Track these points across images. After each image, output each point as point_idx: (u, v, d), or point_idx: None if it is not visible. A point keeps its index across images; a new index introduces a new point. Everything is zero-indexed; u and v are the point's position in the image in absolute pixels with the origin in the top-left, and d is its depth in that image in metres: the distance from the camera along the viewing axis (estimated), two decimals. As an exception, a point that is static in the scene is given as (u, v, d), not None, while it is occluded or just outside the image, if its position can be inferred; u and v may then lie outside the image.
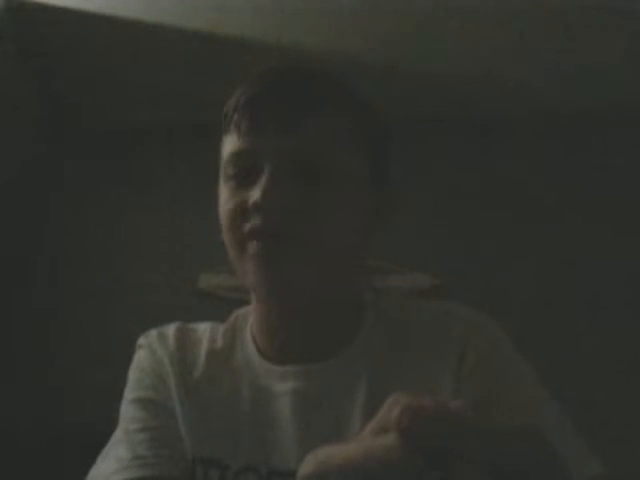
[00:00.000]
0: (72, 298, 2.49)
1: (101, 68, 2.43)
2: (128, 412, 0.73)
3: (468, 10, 2.10)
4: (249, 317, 0.79)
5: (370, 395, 0.68)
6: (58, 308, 2.47)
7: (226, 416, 0.71)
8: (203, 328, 0.80)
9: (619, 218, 2.45)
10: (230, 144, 0.70)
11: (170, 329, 0.79)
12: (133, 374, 0.76)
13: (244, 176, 0.68)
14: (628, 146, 2.53)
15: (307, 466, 0.36)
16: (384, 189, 0.74)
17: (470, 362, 0.68)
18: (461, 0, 2.07)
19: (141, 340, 0.79)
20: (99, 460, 0.71)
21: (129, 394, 0.75)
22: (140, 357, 0.77)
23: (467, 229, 2.47)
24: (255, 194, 0.65)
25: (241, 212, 0.67)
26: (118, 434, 0.72)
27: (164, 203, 2.59)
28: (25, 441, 2.15)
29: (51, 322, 2.45)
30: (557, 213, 2.49)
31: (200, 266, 2.41)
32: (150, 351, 0.77)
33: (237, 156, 0.69)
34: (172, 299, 2.38)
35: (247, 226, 0.66)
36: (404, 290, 2.32)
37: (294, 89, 0.68)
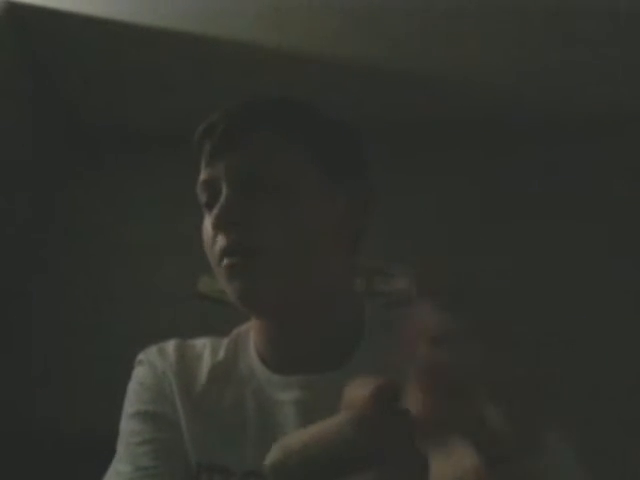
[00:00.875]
0: (71, 301, 2.49)
1: (101, 70, 2.43)
2: (128, 426, 0.73)
3: (467, 10, 2.10)
4: (250, 331, 0.80)
5: None
6: (57, 311, 2.47)
7: (230, 424, 0.72)
8: (202, 343, 0.81)
9: (619, 220, 2.45)
10: (201, 174, 0.75)
11: (169, 345, 0.80)
12: (132, 389, 0.76)
13: (211, 202, 0.73)
14: (628, 147, 2.53)
15: (272, 452, 0.37)
16: (349, 193, 0.75)
17: None
18: (460, 0, 2.08)
19: (140, 356, 0.79)
20: (104, 479, 0.71)
21: (129, 408, 0.75)
22: (140, 373, 0.77)
23: (467, 231, 2.46)
24: (213, 216, 0.69)
25: (211, 235, 0.71)
26: (119, 450, 0.72)
27: (165, 205, 2.59)
28: (25, 446, 2.15)
29: (50, 325, 2.45)
30: (557, 214, 2.49)
31: (200, 269, 2.41)
32: (150, 366, 0.77)
33: (202, 185, 0.74)
34: (172, 302, 2.38)
35: (216, 247, 0.70)
36: (404, 291, 2.32)
37: (238, 117, 0.73)
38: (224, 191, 0.70)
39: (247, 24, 2.20)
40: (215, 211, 0.68)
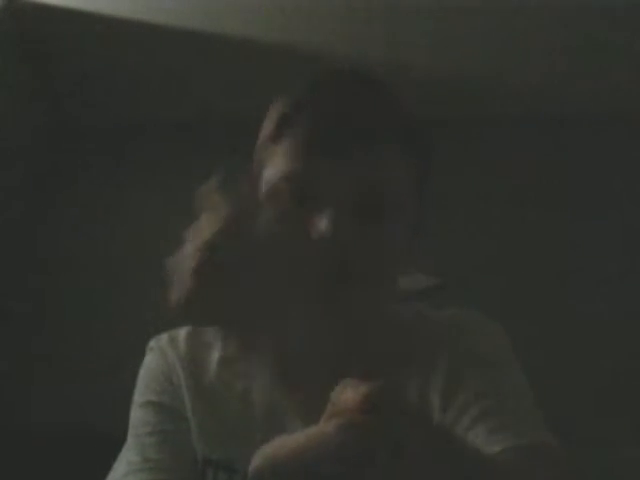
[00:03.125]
0: (70, 298, 2.49)
1: (101, 68, 2.43)
2: (137, 415, 0.73)
3: (468, 10, 2.10)
4: None
5: None
6: (57, 310, 2.47)
7: (237, 421, 0.71)
8: (214, 332, 0.78)
9: (619, 218, 2.45)
10: (285, 160, 0.65)
11: (181, 333, 0.78)
12: (143, 377, 0.76)
13: (298, 202, 0.64)
14: (628, 147, 2.53)
15: (257, 460, 0.37)
16: (422, 211, 0.74)
17: (453, 374, 0.67)
18: (460, 0, 2.08)
19: (152, 343, 0.78)
20: (114, 468, 0.71)
21: (139, 398, 0.74)
22: (150, 360, 0.77)
23: (467, 229, 2.46)
24: (319, 228, 0.62)
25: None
26: (129, 438, 0.72)
27: (164, 201, 2.59)
28: (26, 443, 2.15)
29: (50, 325, 2.45)
30: (557, 213, 2.49)
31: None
32: (161, 354, 0.76)
33: (294, 179, 0.64)
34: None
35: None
36: (404, 291, 2.31)
37: (365, 111, 0.64)
38: (333, 205, 0.62)
39: (247, 22, 2.20)
40: (323, 228, 0.61)
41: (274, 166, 0.66)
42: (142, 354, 0.79)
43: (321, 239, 0.61)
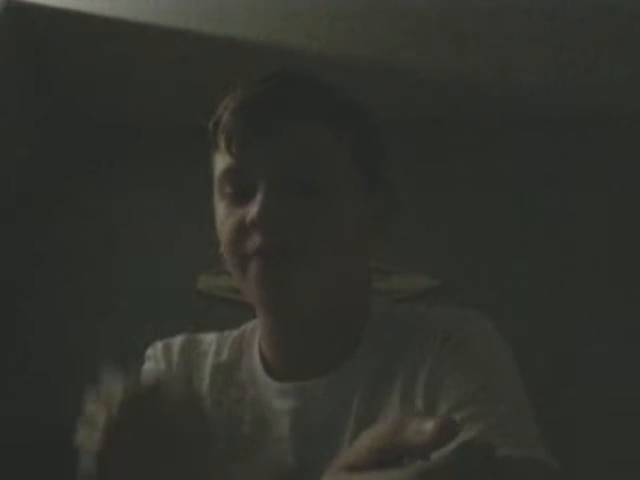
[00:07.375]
0: (71, 298, 2.49)
1: (101, 69, 2.43)
2: None
3: (468, 10, 2.10)
4: (257, 330, 0.77)
5: (362, 411, 0.66)
6: (56, 310, 2.47)
7: (227, 434, 0.71)
8: (209, 340, 0.79)
9: (620, 219, 2.45)
10: (221, 162, 0.70)
11: (176, 342, 0.78)
12: None
13: (239, 193, 0.68)
14: (628, 148, 2.53)
15: None
16: (379, 193, 0.74)
17: (442, 372, 0.66)
18: (460, 0, 2.08)
19: (149, 351, 0.79)
20: None
21: None
22: (146, 369, 0.77)
23: (467, 229, 2.46)
24: (252, 212, 0.64)
25: (240, 231, 0.66)
26: None
27: (164, 203, 2.59)
28: (23, 442, 2.15)
29: (49, 325, 2.44)
30: (557, 214, 2.49)
31: (199, 267, 2.41)
32: (155, 363, 0.77)
33: (230, 174, 0.68)
34: (171, 300, 2.38)
35: (247, 245, 0.66)
36: (404, 291, 2.32)
37: (280, 99, 0.67)
38: (263, 187, 0.65)
39: (245, 22, 2.20)
40: (255, 209, 0.64)
41: (217, 170, 0.71)
42: (142, 352, 0.79)
43: (251, 223, 0.64)
